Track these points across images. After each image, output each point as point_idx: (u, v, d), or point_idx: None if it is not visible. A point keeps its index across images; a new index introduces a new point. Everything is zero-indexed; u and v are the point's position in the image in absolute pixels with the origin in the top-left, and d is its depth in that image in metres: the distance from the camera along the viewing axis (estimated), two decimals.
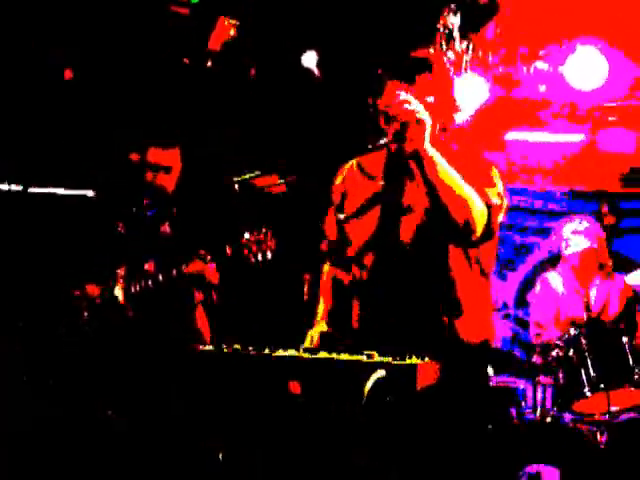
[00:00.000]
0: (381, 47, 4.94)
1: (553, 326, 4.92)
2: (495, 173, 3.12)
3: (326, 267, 3.25)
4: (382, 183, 3.17)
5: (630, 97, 5.59)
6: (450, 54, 5.19)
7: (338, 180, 3.30)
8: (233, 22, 5.22)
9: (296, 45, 5.39)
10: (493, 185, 3.10)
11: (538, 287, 5.18)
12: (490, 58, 5.41)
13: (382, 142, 3.09)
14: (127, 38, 4.97)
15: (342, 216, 3.19)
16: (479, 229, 2.90)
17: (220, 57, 5.20)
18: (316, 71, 5.33)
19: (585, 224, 5.09)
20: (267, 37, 5.32)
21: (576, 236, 5.06)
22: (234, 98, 5.21)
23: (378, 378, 2.76)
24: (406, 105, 2.79)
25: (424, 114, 2.80)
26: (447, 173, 2.86)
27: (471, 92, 5.31)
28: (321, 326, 3.15)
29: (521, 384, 4.41)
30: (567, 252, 5.09)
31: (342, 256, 3.16)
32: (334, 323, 3.15)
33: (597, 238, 5.08)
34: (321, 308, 3.22)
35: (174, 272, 3.91)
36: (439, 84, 3.12)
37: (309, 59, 5.34)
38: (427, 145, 2.82)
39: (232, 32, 5.22)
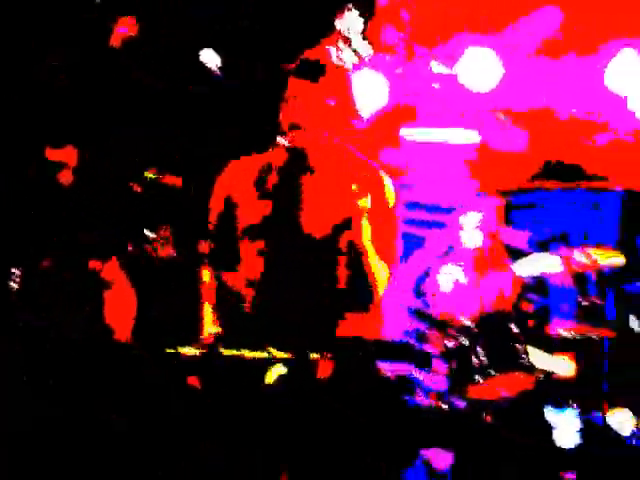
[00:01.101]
0: (283, 47, 5.02)
1: (448, 315, 5.13)
2: (386, 180, 3.27)
3: (206, 270, 3.30)
4: (277, 184, 3.25)
5: (519, 98, 5.82)
6: (348, 54, 5.32)
7: (227, 178, 3.35)
8: (134, 21, 5.24)
9: (198, 43, 5.42)
10: (383, 188, 3.25)
11: (435, 279, 5.37)
12: (387, 58, 5.56)
13: (281, 143, 3.18)
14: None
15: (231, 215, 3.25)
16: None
17: (122, 55, 5.20)
18: (217, 70, 5.38)
19: (480, 218, 5.32)
20: (169, 35, 5.34)
21: (472, 230, 5.29)
22: (139, 97, 5.22)
23: (278, 373, 2.88)
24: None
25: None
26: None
27: (369, 92, 5.44)
28: (211, 327, 3.22)
29: (416, 373, 4.58)
30: (463, 246, 5.30)
31: (228, 257, 3.23)
32: (225, 323, 3.23)
33: (491, 232, 5.32)
34: (208, 309, 3.28)
35: (73, 269, 3.91)
36: (339, 85, 3.21)
37: (209, 57, 5.38)
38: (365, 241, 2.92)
39: (134, 31, 5.23)
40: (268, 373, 2.91)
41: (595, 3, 5.46)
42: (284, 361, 2.91)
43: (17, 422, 3.04)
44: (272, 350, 2.96)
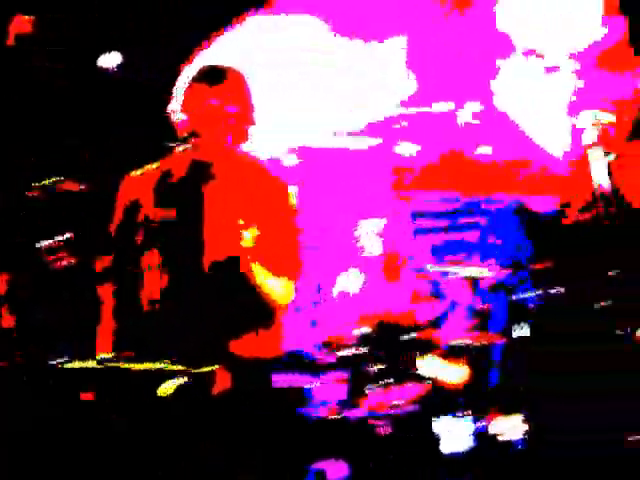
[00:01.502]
0: (185, 50, 4.99)
1: (345, 325, 5.19)
2: (288, 188, 3.29)
3: (105, 287, 3.27)
4: (177, 193, 3.23)
5: (415, 106, 5.92)
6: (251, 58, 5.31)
7: (126, 187, 3.31)
8: (30, 18, 5.11)
9: (96, 44, 5.32)
10: (286, 196, 3.27)
11: (334, 286, 5.43)
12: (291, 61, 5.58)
13: (181, 148, 3.16)
14: None
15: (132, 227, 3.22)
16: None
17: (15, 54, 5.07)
18: (115, 71, 5.29)
19: (380, 225, 5.39)
20: (66, 35, 5.23)
21: (373, 237, 5.36)
22: (30, 99, 5.09)
23: (176, 385, 2.88)
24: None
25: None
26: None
27: (270, 98, 5.45)
28: (106, 341, 3.19)
29: (312, 383, 4.63)
30: (365, 253, 5.37)
31: (128, 270, 3.20)
32: (121, 337, 3.21)
33: (392, 239, 5.40)
34: (105, 323, 3.25)
35: None
36: (238, 94, 3.21)
37: (108, 59, 5.29)
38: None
39: (29, 28, 5.10)
40: (164, 386, 2.91)
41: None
42: (180, 374, 2.92)
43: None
44: (168, 363, 2.96)
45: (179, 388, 2.89)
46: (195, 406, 2.96)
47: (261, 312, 3.18)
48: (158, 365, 2.96)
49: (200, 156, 3.17)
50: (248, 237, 2.98)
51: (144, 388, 2.93)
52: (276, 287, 3.16)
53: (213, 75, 3.18)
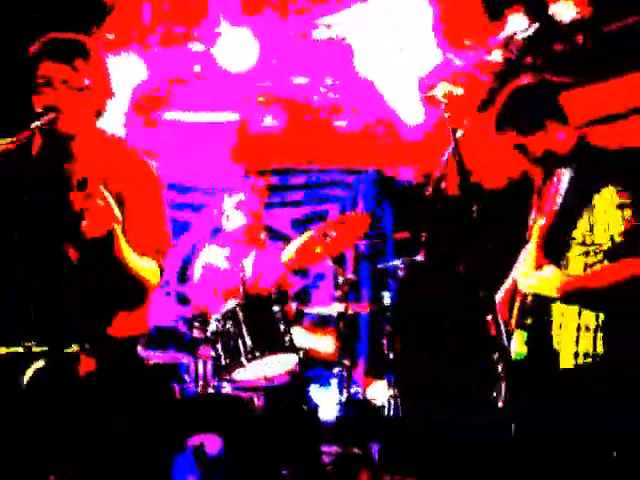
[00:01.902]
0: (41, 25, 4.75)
1: (212, 300, 5.16)
2: (150, 164, 3.22)
3: None
4: (36, 172, 3.11)
5: (275, 80, 5.93)
6: (107, 34, 5.16)
7: None
8: None
9: None
10: (150, 172, 3.19)
11: (197, 262, 5.38)
12: (146, 38, 5.45)
13: (34, 125, 3.03)
14: None
15: None
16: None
17: None
18: None
19: (242, 199, 5.37)
20: None
21: (235, 212, 5.33)
22: None
23: (37, 367, 2.78)
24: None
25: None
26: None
27: (127, 73, 5.31)
28: None
29: (183, 359, 4.58)
30: (227, 228, 5.33)
31: None
32: None
33: (253, 213, 5.39)
34: None
35: None
36: (95, 67, 3.11)
37: None
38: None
39: None
40: (27, 369, 2.83)
41: None
42: (43, 355, 2.83)
43: None
44: (30, 345, 2.86)
45: (39, 370, 2.80)
46: (61, 388, 2.87)
47: (130, 291, 3.10)
48: (17, 348, 2.85)
49: (58, 133, 3.06)
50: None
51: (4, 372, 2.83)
52: (145, 266, 3.08)
53: (68, 51, 3.08)
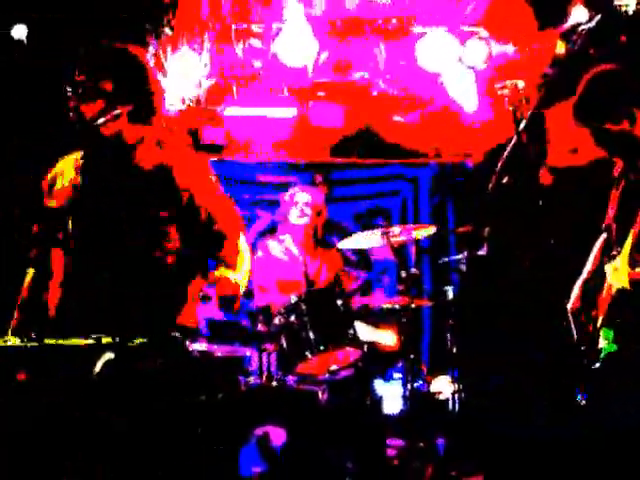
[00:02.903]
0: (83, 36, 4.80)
1: (275, 293, 5.18)
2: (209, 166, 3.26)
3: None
4: (94, 178, 3.15)
5: (335, 74, 5.92)
6: (165, 32, 5.21)
7: (52, 174, 3.22)
8: None
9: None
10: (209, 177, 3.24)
11: (259, 254, 5.40)
12: (205, 35, 5.48)
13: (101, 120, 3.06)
14: None
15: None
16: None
17: None
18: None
19: (311, 195, 5.40)
20: None
21: (306, 207, 5.36)
22: None
23: (107, 359, 2.82)
24: None
25: None
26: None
27: (188, 70, 5.35)
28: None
29: (247, 352, 4.60)
30: (296, 221, 5.34)
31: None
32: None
33: (320, 208, 5.41)
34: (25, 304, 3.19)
35: None
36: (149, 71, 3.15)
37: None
38: None
39: None
40: (96, 360, 2.86)
41: None
42: (110, 347, 2.87)
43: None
44: (100, 337, 2.90)
45: (109, 361, 2.84)
46: (128, 381, 2.90)
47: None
48: (86, 341, 2.89)
49: (117, 137, 3.11)
50: None
51: (75, 363, 2.87)
52: (236, 277, 3.17)
53: (108, 57, 3.13)
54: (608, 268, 3.06)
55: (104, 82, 3.04)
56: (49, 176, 3.21)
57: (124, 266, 3.05)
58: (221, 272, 3.20)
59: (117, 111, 3.03)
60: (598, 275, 3.18)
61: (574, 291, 3.31)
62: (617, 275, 2.98)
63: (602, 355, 3.04)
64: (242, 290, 3.27)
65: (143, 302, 3.05)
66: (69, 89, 3.06)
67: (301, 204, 5.38)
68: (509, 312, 5.25)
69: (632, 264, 2.94)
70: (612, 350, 3.02)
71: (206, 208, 3.17)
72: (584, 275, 3.30)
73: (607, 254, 3.13)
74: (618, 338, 3.01)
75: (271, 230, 5.93)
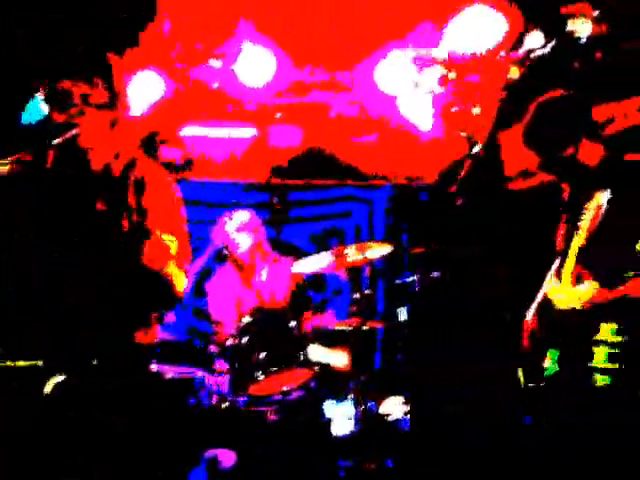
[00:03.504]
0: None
1: (229, 315, 5.19)
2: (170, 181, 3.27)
3: None
4: (53, 189, 3.15)
5: (294, 95, 5.97)
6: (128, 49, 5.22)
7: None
8: None
9: None
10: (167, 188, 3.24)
11: (214, 278, 5.41)
12: (166, 54, 5.51)
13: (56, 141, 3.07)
14: None
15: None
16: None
17: None
18: None
19: (244, 219, 5.37)
20: None
21: (240, 234, 5.33)
22: None
23: (57, 381, 2.83)
24: None
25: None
26: None
27: (146, 88, 5.36)
28: None
29: (199, 373, 4.61)
30: (235, 251, 5.34)
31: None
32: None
33: (257, 230, 5.39)
34: None
35: None
36: (116, 82, 3.16)
37: None
38: None
39: None
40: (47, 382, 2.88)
41: (365, 7, 5.69)
42: (62, 369, 2.88)
43: None
44: (49, 359, 2.91)
45: (60, 384, 2.85)
46: (78, 401, 2.91)
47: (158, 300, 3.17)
48: (35, 362, 2.91)
49: (79, 150, 3.11)
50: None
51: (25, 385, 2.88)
52: (177, 276, 3.15)
53: (84, 65, 3.13)
54: (553, 289, 3.11)
55: (81, 87, 3.05)
56: None
57: (76, 284, 3.05)
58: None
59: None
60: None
61: (529, 313, 3.37)
62: (562, 296, 3.04)
63: (545, 375, 3.10)
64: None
65: (97, 323, 3.06)
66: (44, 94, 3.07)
67: (232, 233, 5.36)
68: (462, 333, 5.30)
69: (575, 282, 3.01)
70: (554, 371, 3.09)
71: (159, 230, 3.15)
72: (539, 297, 3.36)
73: (559, 276, 3.19)
74: (561, 358, 3.07)
75: (224, 251, 5.94)
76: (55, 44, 4.63)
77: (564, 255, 3.13)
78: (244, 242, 5.32)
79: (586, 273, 2.99)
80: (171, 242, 3.11)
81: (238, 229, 5.33)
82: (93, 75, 3.09)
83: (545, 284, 3.29)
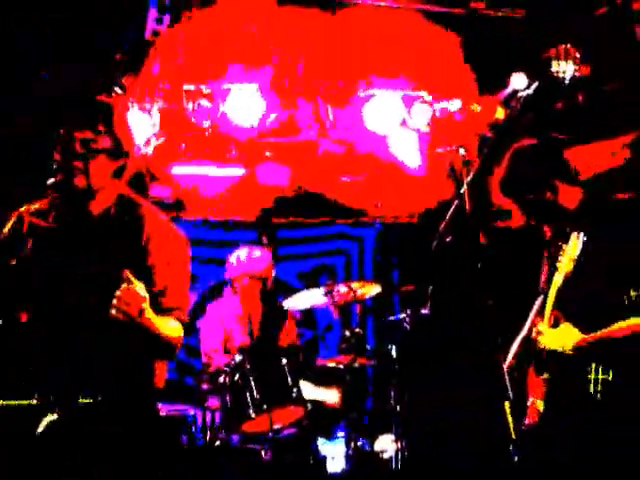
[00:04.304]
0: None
1: (221, 352, 5.18)
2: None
3: None
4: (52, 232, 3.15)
5: (282, 135, 6.03)
6: (119, 90, 5.26)
7: (8, 225, 3.21)
8: None
9: None
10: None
11: (206, 315, 5.41)
12: (155, 94, 5.55)
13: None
14: None
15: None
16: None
17: None
18: None
19: (258, 253, 5.40)
20: None
21: (252, 266, 5.34)
22: None
23: (50, 420, 2.82)
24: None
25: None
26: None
27: (138, 128, 5.40)
28: None
29: (191, 411, 4.59)
30: (240, 282, 5.34)
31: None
32: None
33: (268, 266, 5.41)
34: None
35: None
36: (118, 126, 3.17)
37: None
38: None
39: None
40: (40, 421, 2.86)
41: (353, 47, 5.78)
42: (56, 407, 2.87)
43: None
44: (43, 398, 2.90)
45: (52, 423, 2.83)
46: (72, 441, 2.90)
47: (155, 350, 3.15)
48: (27, 402, 2.89)
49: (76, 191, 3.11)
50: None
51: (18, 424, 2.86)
52: (171, 326, 3.12)
53: (94, 114, 3.14)
54: (536, 332, 3.15)
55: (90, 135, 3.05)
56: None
57: (74, 323, 3.04)
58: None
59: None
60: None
61: (511, 350, 3.41)
62: (545, 337, 3.08)
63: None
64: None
65: (93, 361, 3.04)
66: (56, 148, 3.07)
67: (247, 264, 5.39)
68: (452, 370, 5.33)
69: (552, 325, 3.05)
70: (539, 407, 3.13)
71: (164, 280, 3.12)
72: (522, 335, 3.40)
73: (542, 315, 3.23)
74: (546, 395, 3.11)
75: (217, 288, 5.95)
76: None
77: (545, 295, 3.18)
78: (248, 279, 5.32)
79: (561, 315, 3.04)
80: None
81: (250, 260, 5.33)
82: (95, 121, 3.09)
83: (527, 324, 3.34)
